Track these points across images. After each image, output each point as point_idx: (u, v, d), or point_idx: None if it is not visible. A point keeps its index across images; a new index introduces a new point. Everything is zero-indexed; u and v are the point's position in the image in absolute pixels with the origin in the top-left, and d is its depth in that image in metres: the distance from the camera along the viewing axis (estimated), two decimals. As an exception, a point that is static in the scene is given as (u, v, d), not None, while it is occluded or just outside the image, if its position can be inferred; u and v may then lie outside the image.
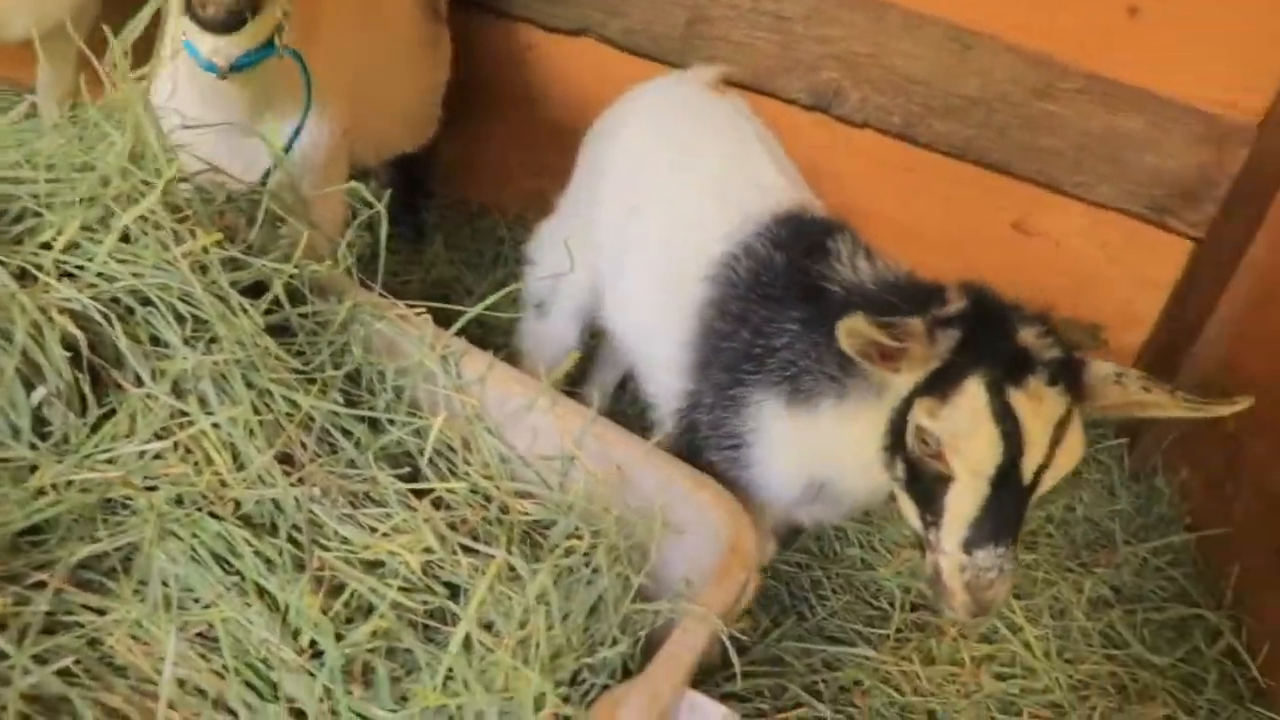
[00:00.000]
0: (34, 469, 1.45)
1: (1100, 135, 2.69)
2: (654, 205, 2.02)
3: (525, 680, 1.34)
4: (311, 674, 1.36)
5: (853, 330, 1.44)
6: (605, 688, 1.45)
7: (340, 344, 1.75)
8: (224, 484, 1.49)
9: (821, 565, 2.47)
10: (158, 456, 1.49)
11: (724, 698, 1.79)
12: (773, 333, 1.74)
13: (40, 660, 1.31)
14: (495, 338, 2.44)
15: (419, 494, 1.61)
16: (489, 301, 1.78)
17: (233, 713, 1.35)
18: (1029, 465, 1.46)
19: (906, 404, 1.54)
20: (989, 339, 1.51)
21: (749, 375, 1.76)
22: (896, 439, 1.56)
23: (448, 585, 1.51)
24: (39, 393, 1.47)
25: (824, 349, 1.66)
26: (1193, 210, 2.73)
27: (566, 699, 1.38)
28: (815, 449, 1.71)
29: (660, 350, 1.93)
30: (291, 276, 1.70)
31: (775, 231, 1.85)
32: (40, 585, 1.38)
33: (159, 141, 1.67)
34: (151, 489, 1.48)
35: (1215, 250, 2.74)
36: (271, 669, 1.38)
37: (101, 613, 1.40)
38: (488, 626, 1.42)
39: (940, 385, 1.49)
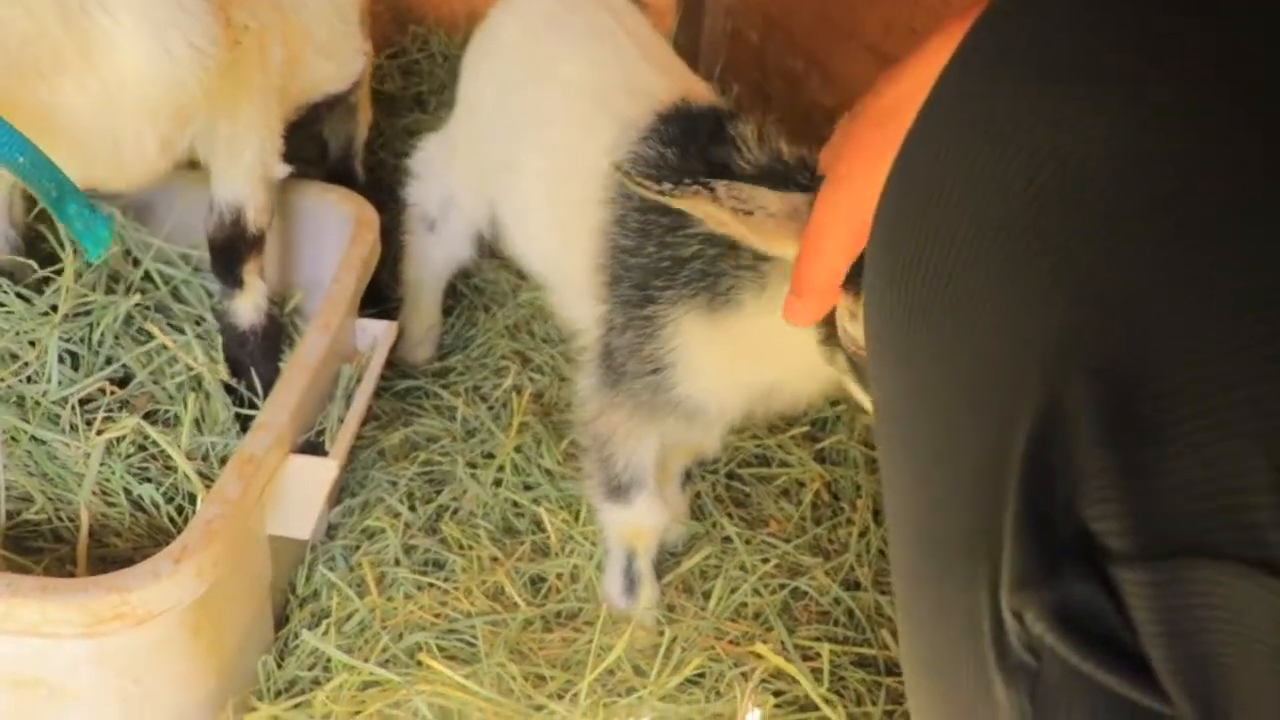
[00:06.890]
0: None
1: None
2: (533, 131, 1.82)
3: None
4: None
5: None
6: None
7: None
8: None
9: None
10: None
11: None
12: (679, 242, 1.55)
13: None
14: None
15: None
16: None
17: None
18: None
19: None
20: None
21: (660, 291, 1.57)
22: (830, 333, 1.38)
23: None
24: None
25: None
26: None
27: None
28: (750, 353, 1.55)
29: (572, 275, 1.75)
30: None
31: (663, 131, 1.62)
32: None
33: None
34: None
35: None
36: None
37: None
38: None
39: (858, 279, 1.32)
